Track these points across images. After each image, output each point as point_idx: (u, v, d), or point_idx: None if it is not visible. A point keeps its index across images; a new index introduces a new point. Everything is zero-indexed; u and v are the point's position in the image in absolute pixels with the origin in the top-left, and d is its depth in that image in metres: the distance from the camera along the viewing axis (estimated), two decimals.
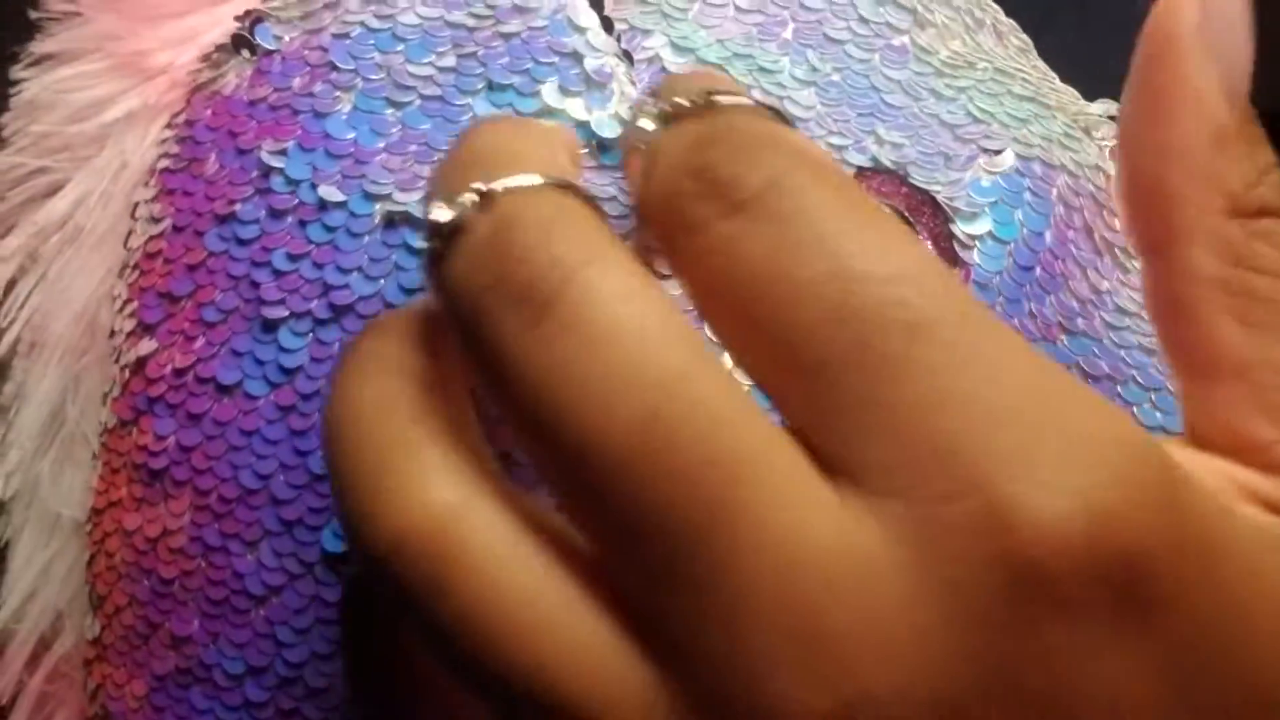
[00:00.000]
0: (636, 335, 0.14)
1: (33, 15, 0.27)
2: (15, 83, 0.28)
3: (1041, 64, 0.26)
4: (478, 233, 0.15)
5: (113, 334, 0.25)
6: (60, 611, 0.26)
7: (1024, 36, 0.27)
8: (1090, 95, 0.25)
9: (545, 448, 0.15)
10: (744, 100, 0.16)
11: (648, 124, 0.16)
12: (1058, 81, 0.26)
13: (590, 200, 0.16)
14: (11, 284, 0.26)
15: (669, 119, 0.16)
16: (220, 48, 0.25)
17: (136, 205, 0.25)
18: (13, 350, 0.27)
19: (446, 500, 0.15)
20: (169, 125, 0.26)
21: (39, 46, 0.27)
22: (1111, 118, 0.25)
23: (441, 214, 0.15)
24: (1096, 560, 0.13)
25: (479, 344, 0.15)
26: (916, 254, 0.14)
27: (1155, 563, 0.13)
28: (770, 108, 0.16)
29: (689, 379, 0.14)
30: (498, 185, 0.15)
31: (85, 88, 0.27)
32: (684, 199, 0.15)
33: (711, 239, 0.15)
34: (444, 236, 0.15)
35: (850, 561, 0.13)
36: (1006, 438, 0.13)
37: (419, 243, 0.16)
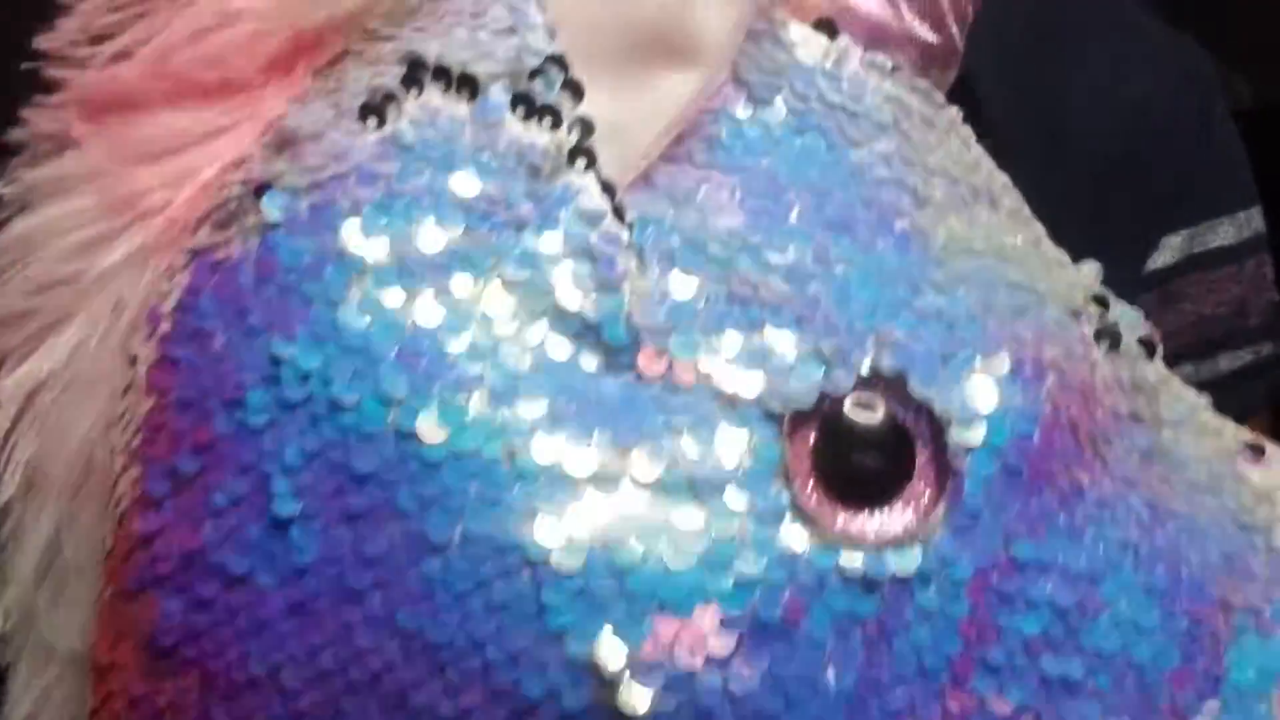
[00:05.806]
0: None
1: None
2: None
3: (1036, 225, 0.27)
4: None
5: (114, 486, 0.25)
6: None
7: (1017, 195, 0.27)
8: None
9: None
10: None
11: None
12: (1046, 244, 0.27)
13: None
14: (9, 430, 0.26)
15: None
16: (221, 208, 0.25)
17: (135, 357, 0.25)
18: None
19: None
20: (168, 277, 0.25)
21: (29, 175, 0.27)
22: (1099, 298, 0.26)
23: None
24: None
25: None
26: None
27: None
28: None
29: None
30: None
31: (77, 227, 0.26)
32: None
33: None
34: None
35: None
36: None
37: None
